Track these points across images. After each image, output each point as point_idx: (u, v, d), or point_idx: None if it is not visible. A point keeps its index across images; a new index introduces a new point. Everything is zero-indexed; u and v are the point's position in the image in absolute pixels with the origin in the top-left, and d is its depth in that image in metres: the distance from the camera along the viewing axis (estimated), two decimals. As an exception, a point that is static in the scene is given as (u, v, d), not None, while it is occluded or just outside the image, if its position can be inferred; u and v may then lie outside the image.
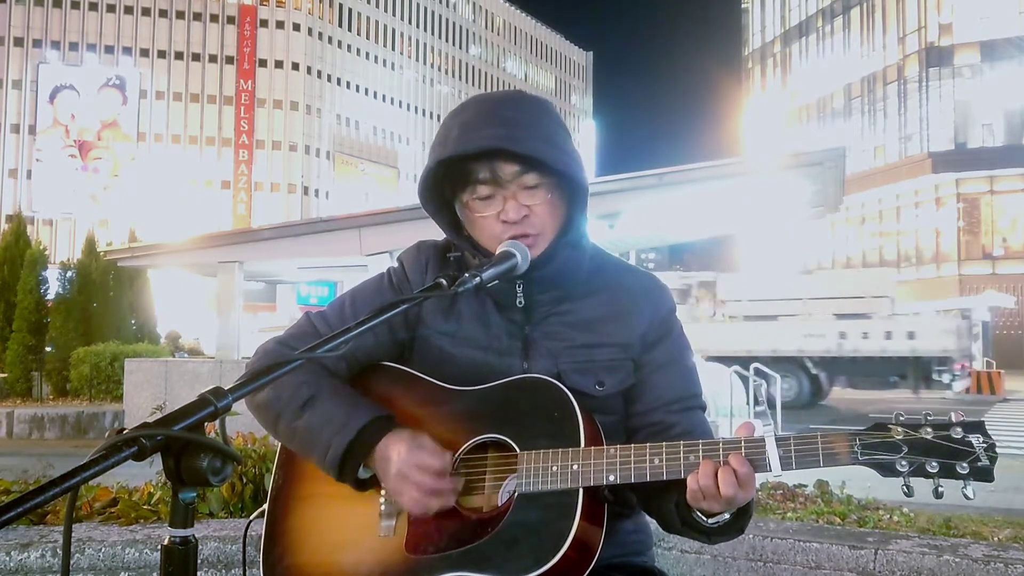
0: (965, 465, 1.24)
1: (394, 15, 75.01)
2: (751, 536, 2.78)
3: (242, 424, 2.19)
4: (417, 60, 77.29)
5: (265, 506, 1.59)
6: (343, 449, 1.42)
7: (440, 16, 79.43)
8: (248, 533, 1.82)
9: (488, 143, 1.42)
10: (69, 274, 15.48)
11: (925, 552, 2.56)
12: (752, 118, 59.54)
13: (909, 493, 1.26)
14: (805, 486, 4.27)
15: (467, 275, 1.37)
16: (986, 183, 41.91)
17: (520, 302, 1.54)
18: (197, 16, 64.71)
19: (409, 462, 1.39)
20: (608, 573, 1.48)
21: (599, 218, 11.70)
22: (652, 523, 1.65)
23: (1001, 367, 26.21)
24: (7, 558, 2.46)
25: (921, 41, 44.91)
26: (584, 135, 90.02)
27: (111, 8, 62.60)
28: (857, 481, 4.49)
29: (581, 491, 1.36)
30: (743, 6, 62.41)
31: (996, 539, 3.50)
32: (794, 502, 3.97)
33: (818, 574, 2.68)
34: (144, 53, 63.32)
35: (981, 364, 28.55)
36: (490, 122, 1.45)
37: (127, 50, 62.98)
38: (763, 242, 50.81)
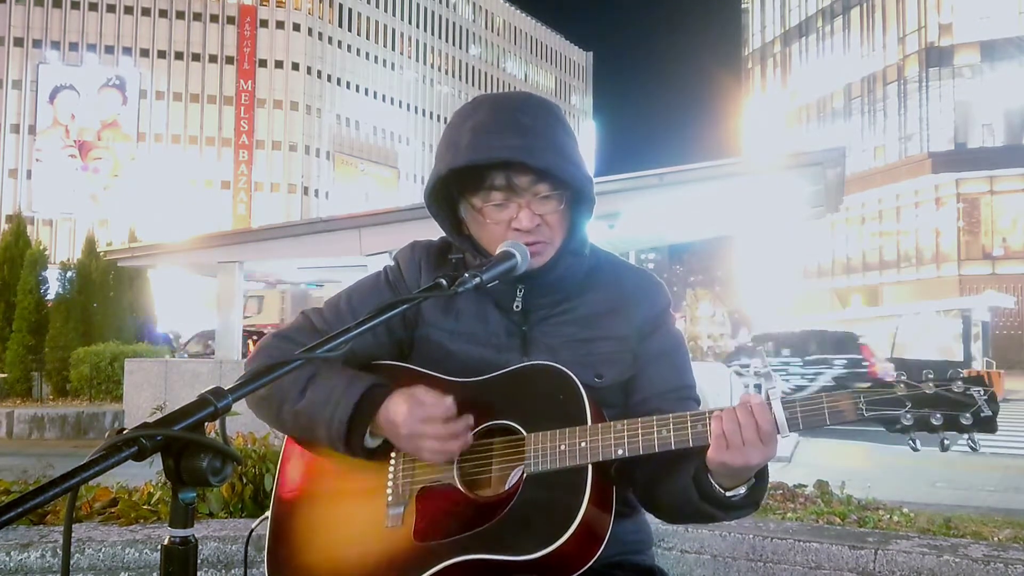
0: (968, 416, 1.27)
1: (394, 15, 75.01)
2: (751, 536, 2.78)
3: (242, 424, 2.19)
4: (417, 60, 77.29)
5: (268, 512, 1.59)
6: (347, 418, 1.43)
7: (440, 16, 79.43)
8: (249, 536, 1.82)
9: (505, 154, 1.43)
10: (69, 274, 15.49)
11: (925, 552, 2.56)
12: (752, 118, 59.55)
13: (915, 447, 1.29)
14: (805, 486, 4.27)
15: (467, 275, 1.37)
16: (986, 183, 41.93)
17: (518, 306, 1.56)
18: (197, 16, 64.71)
19: (414, 418, 1.41)
20: (609, 571, 1.48)
21: (599, 218, 11.64)
22: (652, 523, 1.66)
23: (1001, 367, 26.25)
24: (7, 558, 2.46)
25: (921, 41, 44.91)
26: (584, 135, 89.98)
27: (111, 8, 62.61)
28: (857, 481, 4.50)
29: (590, 468, 1.36)
30: (743, 6, 62.42)
31: (996, 539, 3.50)
32: (794, 502, 3.97)
33: (818, 574, 2.68)
34: (144, 53, 63.33)
35: (981, 364, 28.59)
36: (505, 130, 1.45)
37: (127, 50, 62.99)
38: (763, 242, 50.80)
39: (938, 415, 1.28)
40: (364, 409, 1.44)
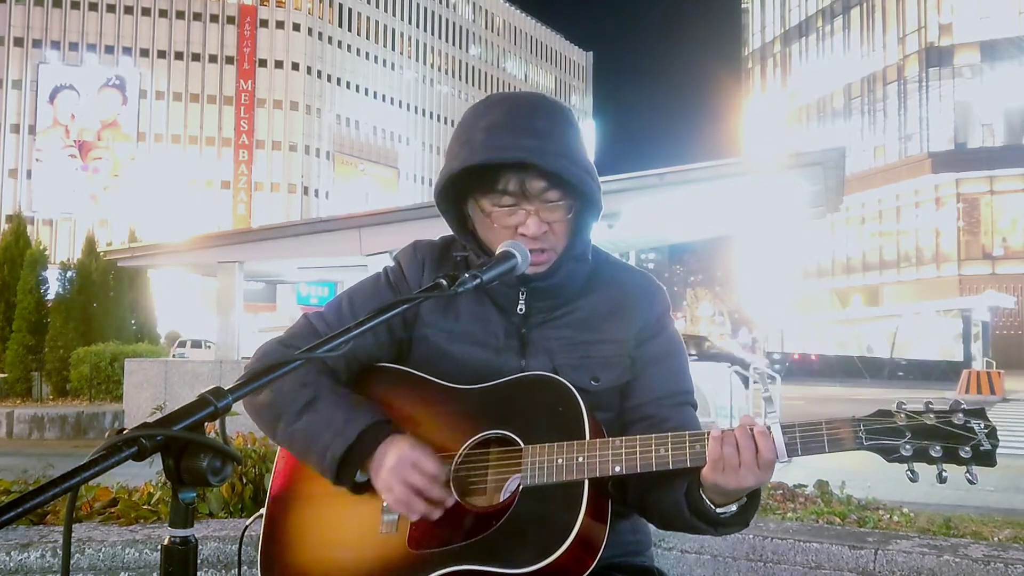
0: (968, 449, 1.26)
1: (394, 15, 75.00)
2: (751, 536, 2.78)
3: (242, 424, 2.19)
4: (417, 60, 77.28)
5: (264, 509, 1.58)
6: (341, 453, 1.43)
7: (440, 16, 79.42)
8: (246, 534, 1.82)
9: (519, 155, 1.42)
10: (69, 274, 15.48)
11: (925, 552, 2.56)
12: (752, 118, 59.55)
13: (914, 478, 1.28)
14: (805, 486, 4.27)
15: (467, 275, 1.37)
16: (986, 183, 41.93)
17: (521, 309, 1.55)
18: (197, 16, 64.70)
19: (407, 459, 1.40)
20: (608, 573, 1.48)
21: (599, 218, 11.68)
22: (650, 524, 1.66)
23: (1001, 367, 26.22)
24: (7, 558, 2.46)
25: (921, 41, 44.92)
26: (584, 135, 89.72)
27: (111, 8, 62.61)
28: (857, 481, 4.50)
29: (587, 483, 1.36)
30: (743, 6, 62.42)
31: (996, 539, 3.51)
32: (794, 502, 3.97)
33: (818, 574, 2.68)
34: (144, 53, 63.32)
35: (981, 364, 28.60)
36: (519, 131, 1.44)
37: (127, 50, 62.98)
38: (763, 242, 50.83)
39: (937, 447, 1.26)
40: (359, 449, 1.43)
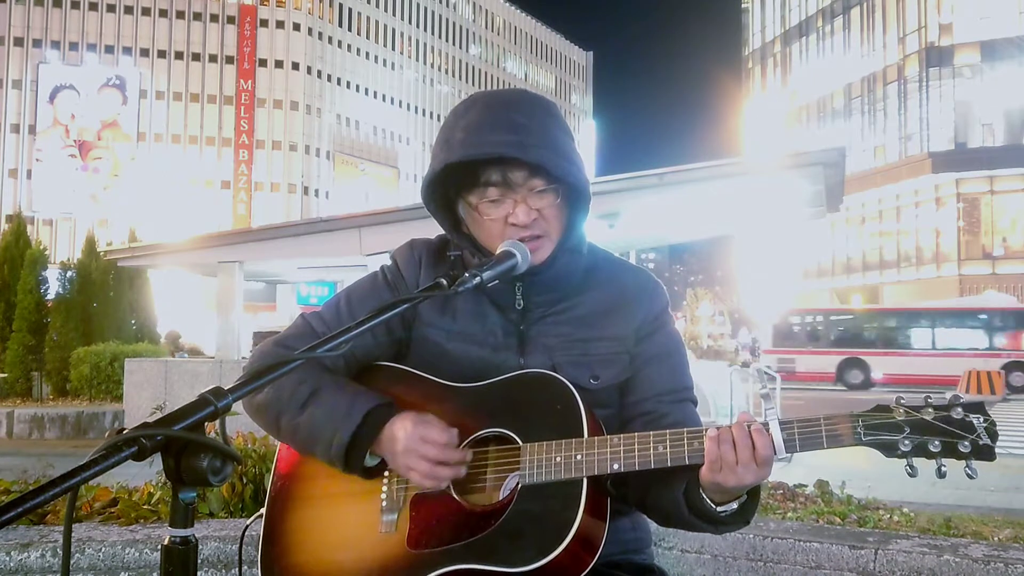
0: (967, 444, 1.26)
1: (394, 15, 74.98)
2: (751, 536, 2.78)
3: (242, 424, 2.19)
4: (417, 60, 77.26)
5: (263, 510, 1.58)
6: (348, 438, 1.43)
7: (440, 16, 79.40)
8: (247, 534, 1.82)
9: (498, 150, 1.43)
10: (69, 274, 15.47)
11: (925, 552, 2.56)
12: (752, 118, 59.52)
13: (913, 473, 1.28)
14: (805, 486, 4.27)
15: (467, 275, 1.37)
16: (986, 183, 41.88)
17: (519, 304, 1.55)
18: (197, 16, 64.68)
19: (415, 436, 1.40)
20: (608, 571, 1.48)
21: (599, 218, 11.70)
22: (651, 522, 1.65)
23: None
24: (7, 558, 2.46)
25: (921, 41, 44.89)
26: (584, 135, 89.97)
27: (111, 8, 62.58)
28: (857, 481, 4.50)
29: (585, 481, 1.36)
30: (743, 6, 62.39)
31: (996, 539, 3.51)
32: (794, 502, 3.97)
33: (818, 574, 2.68)
34: (144, 53, 63.29)
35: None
36: (499, 127, 1.44)
37: (127, 50, 62.95)
38: (763, 242, 50.79)
39: (936, 442, 1.26)
40: (366, 432, 1.43)
